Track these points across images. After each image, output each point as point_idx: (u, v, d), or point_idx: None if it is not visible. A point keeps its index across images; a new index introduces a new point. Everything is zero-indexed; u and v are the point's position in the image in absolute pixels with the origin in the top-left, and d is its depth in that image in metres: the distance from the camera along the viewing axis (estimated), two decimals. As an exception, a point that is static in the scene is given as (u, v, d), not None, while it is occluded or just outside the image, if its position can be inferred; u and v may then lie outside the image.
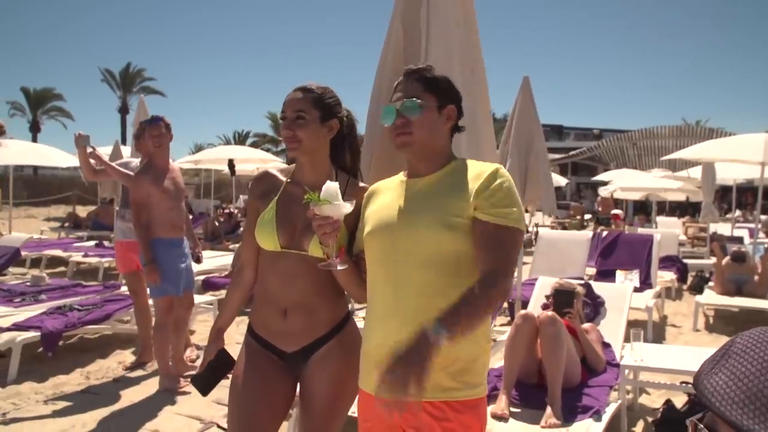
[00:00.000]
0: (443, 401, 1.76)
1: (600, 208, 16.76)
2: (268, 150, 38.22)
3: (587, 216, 21.59)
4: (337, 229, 1.84)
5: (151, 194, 4.60)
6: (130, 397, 4.63)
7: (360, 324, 4.92)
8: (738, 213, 19.16)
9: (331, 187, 1.83)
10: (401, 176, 2.00)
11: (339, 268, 1.89)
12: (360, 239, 2.00)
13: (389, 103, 1.93)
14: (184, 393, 4.62)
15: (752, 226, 13.47)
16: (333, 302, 2.20)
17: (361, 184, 2.22)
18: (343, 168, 2.27)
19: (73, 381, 4.98)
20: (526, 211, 7.48)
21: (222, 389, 2.36)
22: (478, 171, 1.84)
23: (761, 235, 13.50)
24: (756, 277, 7.64)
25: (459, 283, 1.76)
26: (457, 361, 1.76)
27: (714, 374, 0.84)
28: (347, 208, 1.83)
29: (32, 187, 28.35)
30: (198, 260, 5.36)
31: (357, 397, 2.02)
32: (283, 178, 2.25)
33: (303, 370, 2.20)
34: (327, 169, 2.22)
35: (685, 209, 25.46)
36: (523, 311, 4.07)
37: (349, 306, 6.77)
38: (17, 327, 5.14)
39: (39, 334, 5.04)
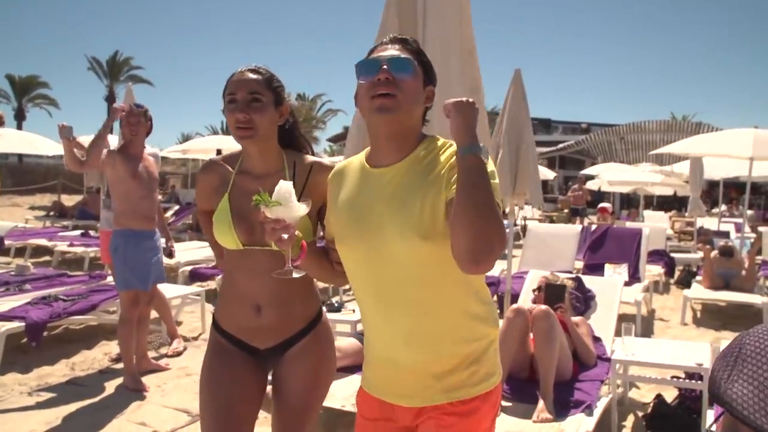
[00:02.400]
0: (458, 400, 1.67)
1: (572, 198, 16.91)
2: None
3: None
4: (293, 233, 1.65)
5: (120, 177, 4.44)
6: (115, 388, 4.57)
7: (344, 317, 4.88)
8: (724, 207, 19.30)
9: (284, 187, 1.64)
10: (363, 159, 1.77)
11: (295, 275, 1.71)
12: (329, 229, 1.84)
13: (368, 57, 1.69)
14: (142, 395, 4.46)
15: (738, 220, 13.58)
16: (306, 295, 2.12)
17: (325, 162, 2.05)
18: (297, 149, 2.13)
19: (58, 372, 4.92)
20: (516, 205, 7.46)
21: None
22: (449, 155, 1.63)
23: (747, 229, 13.61)
24: (743, 272, 7.69)
25: (448, 286, 1.65)
26: (466, 360, 1.67)
27: (734, 382, 0.82)
28: (302, 209, 1.66)
29: (17, 175, 28.04)
30: (170, 255, 5.20)
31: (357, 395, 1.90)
32: (231, 169, 2.09)
33: (277, 366, 2.14)
34: (277, 156, 2.07)
35: (672, 204, 25.64)
36: (514, 305, 4.05)
37: (339, 297, 6.67)
38: (1, 317, 5.05)
39: (23, 324, 4.96)
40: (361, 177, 1.74)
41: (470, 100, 1.54)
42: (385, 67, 1.62)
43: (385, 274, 1.64)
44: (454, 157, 1.56)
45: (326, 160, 2.05)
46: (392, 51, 1.67)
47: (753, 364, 0.82)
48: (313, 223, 2.00)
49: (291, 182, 1.68)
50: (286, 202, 1.63)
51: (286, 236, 1.63)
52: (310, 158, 2.08)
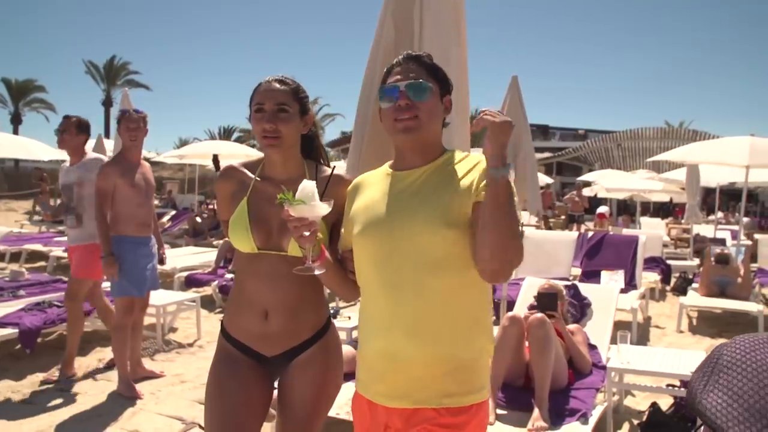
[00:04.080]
0: (447, 408, 1.70)
1: (569, 204, 16.98)
2: (253, 146, 38.02)
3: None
4: (315, 231, 1.72)
5: (118, 188, 4.42)
6: (110, 395, 4.55)
7: (340, 324, 4.87)
8: (720, 215, 19.33)
9: (308, 186, 1.71)
10: (386, 168, 1.89)
11: (317, 272, 1.77)
12: (345, 238, 1.91)
13: (388, 84, 1.81)
14: (136, 402, 4.43)
15: (734, 227, 13.58)
16: (315, 304, 2.13)
17: (344, 175, 2.10)
18: (314, 160, 2.17)
19: (52, 379, 4.88)
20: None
21: (203, 389, 2.31)
22: (473, 162, 1.77)
23: (743, 237, 13.61)
24: (739, 279, 7.68)
25: (462, 285, 1.71)
26: (461, 366, 1.71)
27: (710, 392, 0.82)
28: (324, 209, 1.71)
29: (13, 179, 27.96)
30: (161, 261, 5.05)
31: (352, 400, 1.93)
32: (251, 174, 2.13)
33: (283, 374, 2.13)
34: (299, 164, 2.11)
35: (668, 210, 25.66)
36: (510, 313, 4.05)
37: (335, 304, 6.65)
38: (-6, 323, 5.04)
39: (17, 331, 4.94)
40: (385, 179, 1.85)
41: (508, 119, 1.61)
42: (404, 93, 1.76)
43: (400, 258, 1.70)
44: (482, 162, 1.71)
45: (345, 174, 2.09)
46: (409, 73, 1.79)
47: (729, 375, 0.82)
48: (328, 231, 2.02)
49: (314, 182, 1.73)
50: (310, 201, 1.69)
51: (307, 233, 1.69)
52: (328, 169, 2.12)
